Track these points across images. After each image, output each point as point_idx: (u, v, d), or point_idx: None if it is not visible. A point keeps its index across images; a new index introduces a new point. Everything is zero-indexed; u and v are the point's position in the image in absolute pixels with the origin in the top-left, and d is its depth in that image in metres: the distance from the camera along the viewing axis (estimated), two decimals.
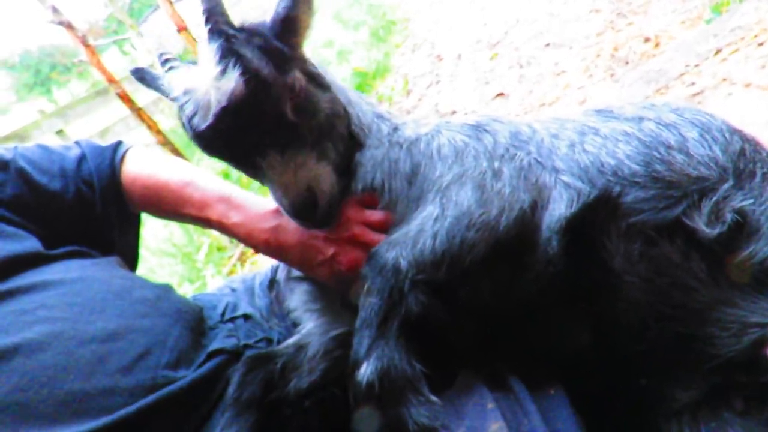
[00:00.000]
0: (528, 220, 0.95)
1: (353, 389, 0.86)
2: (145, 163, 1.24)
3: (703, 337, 0.88)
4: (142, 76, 1.14)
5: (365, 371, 0.85)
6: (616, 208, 0.93)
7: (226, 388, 1.02)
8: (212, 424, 0.98)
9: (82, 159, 1.19)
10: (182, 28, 3.92)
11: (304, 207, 0.96)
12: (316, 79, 1.05)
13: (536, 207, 0.96)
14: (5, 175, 1.09)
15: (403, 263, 0.90)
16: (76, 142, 1.25)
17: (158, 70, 1.12)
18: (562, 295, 0.95)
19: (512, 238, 0.94)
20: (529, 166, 1.00)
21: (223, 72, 0.90)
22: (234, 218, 1.14)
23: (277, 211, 1.12)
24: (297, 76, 0.98)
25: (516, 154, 1.02)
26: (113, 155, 1.22)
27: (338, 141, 1.06)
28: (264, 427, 1.00)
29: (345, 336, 1.09)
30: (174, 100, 0.97)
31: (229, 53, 0.91)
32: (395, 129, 1.14)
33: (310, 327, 1.16)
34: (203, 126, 0.92)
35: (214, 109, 0.90)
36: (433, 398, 0.86)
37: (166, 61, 1.05)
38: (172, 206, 1.20)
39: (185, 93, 0.94)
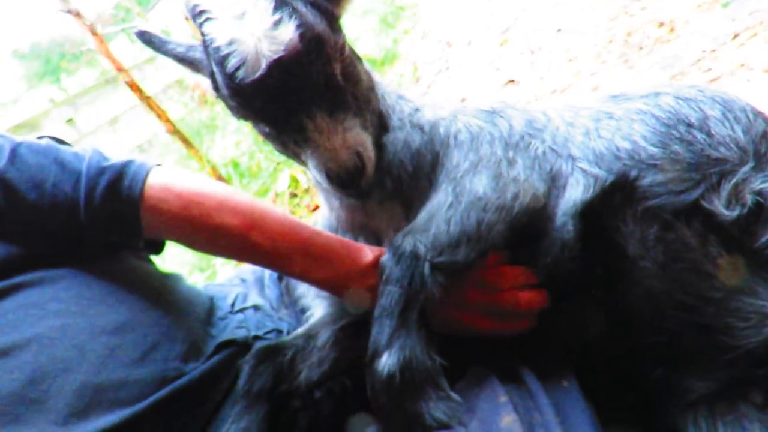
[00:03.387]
0: (540, 207, 0.95)
1: (372, 379, 0.85)
2: (182, 200, 0.98)
3: (721, 328, 0.86)
4: (149, 38, 1.07)
5: (386, 361, 0.83)
6: (632, 191, 0.91)
7: (236, 380, 1.02)
8: (222, 416, 0.98)
9: (78, 180, 0.95)
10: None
11: (353, 173, 0.89)
12: (352, 50, 1.03)
13: (549, 196, 0.96)
14: None
15: (421, 248, 0.89)
16: (89, 155, 1.00)
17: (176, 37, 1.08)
18: (577, 281, 0.94)
19: (524, 225, 0.94)
20: (543, 154, 1.00)
21: (278, 22, 0.86)
22: (321, 275, 0.99)
23: (374, 265, 0.97)
24: (345, 40, 0.96)
25: (530, 143, 1.02)
26: (117, 185, 0.95)
27: (373, 115, 1.04)
28: (274, 419, 1.00)
29: (355, 325, 1.09)
30: (214, 51, 0.89)
31: (283, 4, 0.87)
32: (416, 110, 1.13)
33: (319, 316, 1.16)
34: (251, 78, 0.86)
35: (267, 59, 0.85)
36: (454, 395, 0.85)
37: (202, 12, 0.94)
38: (234, 255, 1.08)
39: (229, 44, 0.86)
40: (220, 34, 0.88)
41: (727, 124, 0.94)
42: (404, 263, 0.88)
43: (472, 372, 0.96)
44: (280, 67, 0.85)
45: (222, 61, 0.87)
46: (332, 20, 0.94)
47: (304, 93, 0.89)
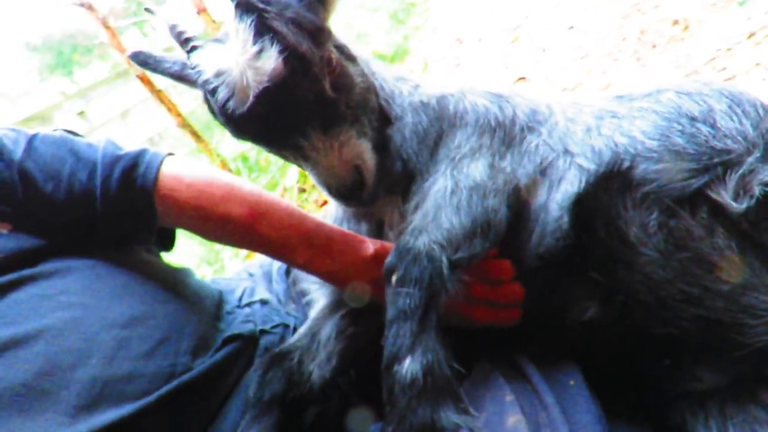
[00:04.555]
0: (523, 199, 0.98)
1: (391, 382, 0.81)
2: (192, 190, 0.99)
3: (731, 324, 0.85)
4: (143, 60, 1.07)
5: (409, 366, 0.80)
6: (628, 178, 0.92)
7: (242, 374, 1.02)
8: (227, 412, 0.99)
9: (93, 171, 0.97)
10: (202, 10, 3.91)
11: (352, 187, 0.92)
12: (344, 52, 1.02)
13: (538, 188, 0.98)
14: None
15: (436, 247, 0.87)
16: (103, 145, 1.01)
17: (175, 51, 1.08)
18: (575, 266, 0.94)
19: (515, 214, 0.97)
20: (536, 148, 1.03)
21: (260, 51, 0.85)
22: (324, 266, 1.01)
23: (375, 258, 0.99)
24: (332, 50, 0.96)
25: (525, 137, 1.04)
26: (132, 174, 0.97)
27: (372, 115, 1.04)
28: (285, 424, 0.98)
29: (354, 312, 1.09)
30: (203, 83, 0.90)
31: (264, 30, 0.86)
32: (416, 87, 1.13)
33: (319, 308, 1.15)
34: (241, 110, 0.87)
35: (254, 91, 0.85)
36: (471, 409, 0.82)
37: (187, 40, 0.96)
38: (240, 243, 1.09)
39: (217, 75, 0.87)
40: (206, 65, 0.90)
41: (734, 118, 0.93)
42: (420, 264, 0.85)
43: (478, 371, 0.96)
44: (267, 95, 0.86)
45: (212, 92, 0.89)
46: (317, 34, 0.92)
47: (295, 115, 0.90)
